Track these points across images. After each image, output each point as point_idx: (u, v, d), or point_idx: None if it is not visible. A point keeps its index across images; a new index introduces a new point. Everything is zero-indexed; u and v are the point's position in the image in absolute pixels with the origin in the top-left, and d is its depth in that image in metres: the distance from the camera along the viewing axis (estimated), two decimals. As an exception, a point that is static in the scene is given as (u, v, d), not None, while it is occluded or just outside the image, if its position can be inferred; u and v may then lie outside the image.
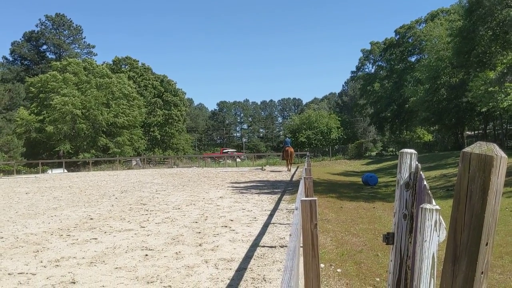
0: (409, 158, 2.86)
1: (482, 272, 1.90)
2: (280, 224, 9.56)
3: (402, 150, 2.90)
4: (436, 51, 39.15)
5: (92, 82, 52.65)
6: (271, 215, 10.74)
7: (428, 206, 2.20)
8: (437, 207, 2.20)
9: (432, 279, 2.16)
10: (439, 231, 2.18)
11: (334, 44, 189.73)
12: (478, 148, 1.89)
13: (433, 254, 2.17)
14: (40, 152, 52.22)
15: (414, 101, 42.11)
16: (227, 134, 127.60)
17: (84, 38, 72.76)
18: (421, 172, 2.83)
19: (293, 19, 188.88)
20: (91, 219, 11.14)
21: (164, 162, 54.33)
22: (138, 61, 72.22)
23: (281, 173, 27.29)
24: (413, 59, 55.83)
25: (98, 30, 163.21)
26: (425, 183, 2.65)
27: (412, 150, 2.89)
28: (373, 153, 62.09)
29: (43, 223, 10.67)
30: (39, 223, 10.69)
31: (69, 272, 6.29)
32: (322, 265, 6.13)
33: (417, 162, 2.87)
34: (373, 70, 65.07)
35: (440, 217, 2.19)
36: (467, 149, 1.90)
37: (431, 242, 2.17)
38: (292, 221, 9.45)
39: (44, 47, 70.52)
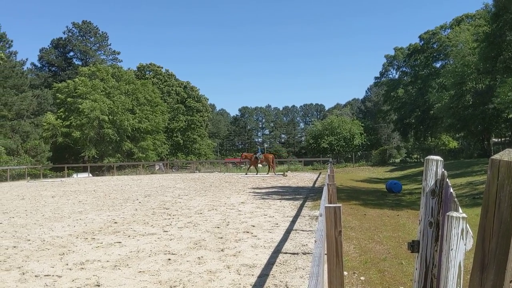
0: (435, 165, 2.82)
1: (511, 281, 1.87)
2: (303, 230, 9.52)
3: (427, 157, 2.87)
4: (462, 57, 38.53)
5: (122, 88, 53.65)
6: (293, 222, 10.70)
7: (454, 214, 2.17)
8: (464, 215, 2.17)
9: (458, 288, 2.13)
10: (466, 240, 2.15)
11: (357, 50, 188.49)
12: (507, 155, 1.87)
13: (460, 263, 2.14)
14: (66, 157, 53.23)
15: (439, 107, 41.49)
16: (249, 140, 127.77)
17: (110, 45, 74.03)
18: (447, 179, 2.79)
19: (316, 26, 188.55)
20: (115, 222, 11.29)
21: (186, 167, 54.78)
22: (162, 67, 73.23)
23: (286, 177, 27.18)
24: (438, 65, 55.11)
25: (123, 37, 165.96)
26: (451, 190, 2.61)
27: (438, 157, 2.85)
28: (397, 160, 61.35)
29: (69, 226, 10.86)
30: (65, 226, 10.89)
31: (93, 275, 6.39)
32: (345, 273, 6.07)
33: (443, 169, 2.84)
34: (397, 76, 64.47)
35: (467, 225, 2.16)
36: (496, 156, 1.87)
37: (457, 251, 2.14)
38: (315, 228, 9.40)
39: (71, 53, 72.02)
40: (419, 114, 54.83)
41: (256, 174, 33.16)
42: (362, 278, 6.12)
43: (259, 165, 34.42)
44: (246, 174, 33.41)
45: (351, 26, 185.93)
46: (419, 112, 54.78)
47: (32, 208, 15.08)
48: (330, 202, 7.06)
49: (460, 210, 2.31)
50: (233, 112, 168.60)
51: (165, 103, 63.88)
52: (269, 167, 33.94)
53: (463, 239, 2.13)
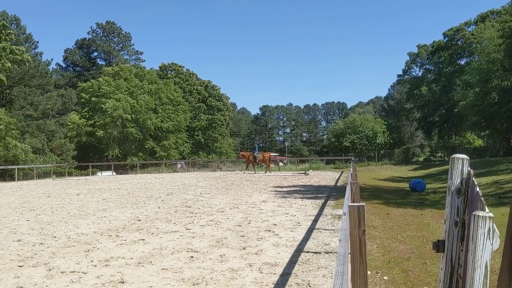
0: (461, 163, 2.78)
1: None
2: (325, 229, 9.48)
3: (453, 156, 2.83)
4: (487, 54, 37.70)
5: (144, 88, 54.30)
6: (315, 221, 10.66)
7: (481, 213, 2.14)
8: (491, 214, 2.14)
9: (485, 289, 2.10)
10: (493, 239, 2.12)
11: (380, 48, 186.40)
12: (536, 153, 1.83)
13: (486, 262, 2.11)
14: (91, 155, 54.13)
15: (463, 105, 40.70)
16: (270, 138, 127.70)
17: (133, 45, 75.04)
18: (473, 178, 2.75)
19: (336, 26, 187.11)
20: (139, 220, 11.44)
21: (208, 166, 55.09)
22: (184, 67, 73.84)
23: (307, 176, 27.06)
24: (462, 62, 54.00)
25: (145, 37, 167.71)
26: (477, 189, 2.57)
27: (464, 156, 2.81)
28: (421, 159, 60.58)
29: (93, 224, 11.05)
30: (90, 224, 11.08)
31: (118, 272, 6.49)
32: (368, 272, 6.02)
33: (469, 168, 2.80)
34: (420, 74, 63.47)
35: (494, 224, 2.13)
36: (524, 155, 1.84)
37: (484, 251, 2.11)
38: (337, 227, 9.36)
39: (95, 53, 73.33)
40: (443, 112, 53.90)
41: (253, 172, 33.66)
42: (385, 277, 6.08)
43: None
44: (269, 172, 33.42)
45: (373, 25, 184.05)
46: (443, 110, 53.84)
47: (58, 205, 15.38)
48: (353, 201, 7.02)
49: (487, 210, 2.28)
50: (254, 110, 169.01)
51: (187, 102, 64.37)
52: (260, 165, 34.66)
53: (489, 238, 2.10)
